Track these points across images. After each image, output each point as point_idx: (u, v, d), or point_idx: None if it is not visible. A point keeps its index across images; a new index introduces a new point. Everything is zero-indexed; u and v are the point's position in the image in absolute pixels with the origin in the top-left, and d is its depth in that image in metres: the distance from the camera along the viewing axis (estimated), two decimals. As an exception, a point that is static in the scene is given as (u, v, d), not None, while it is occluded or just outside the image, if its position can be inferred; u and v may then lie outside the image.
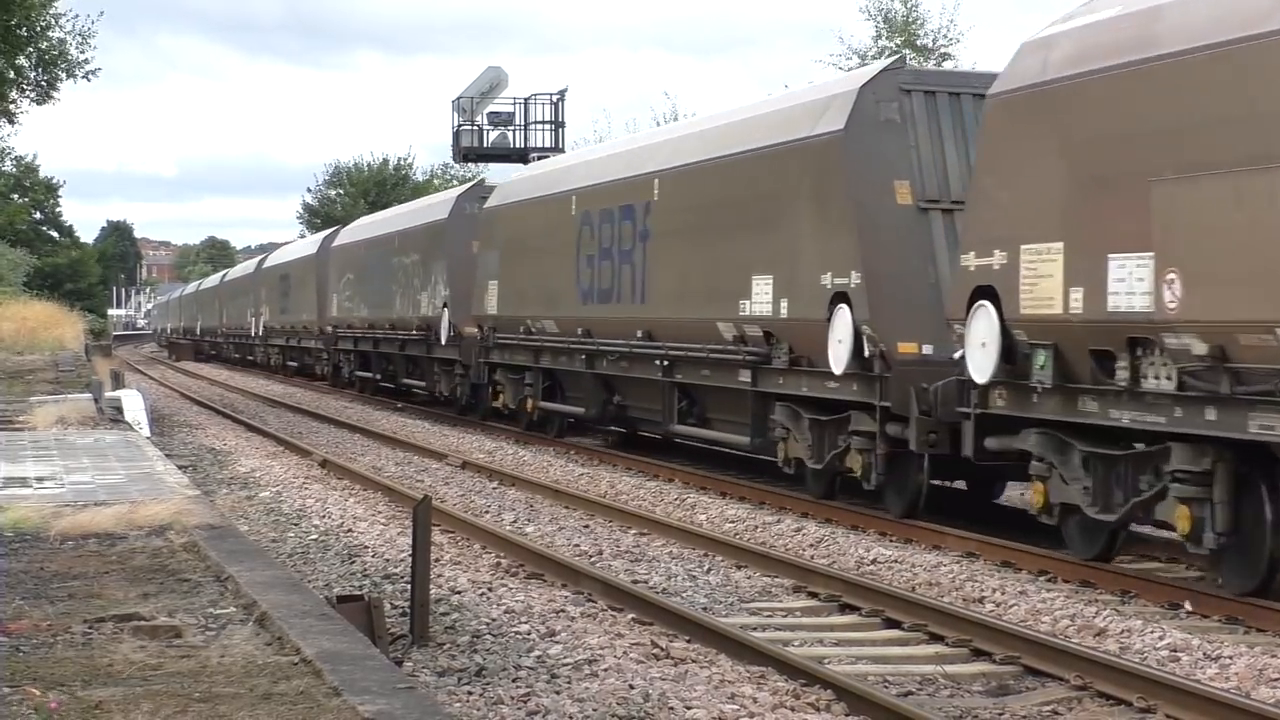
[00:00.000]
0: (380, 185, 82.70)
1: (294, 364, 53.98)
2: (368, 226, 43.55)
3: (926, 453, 15.60)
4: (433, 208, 35.71)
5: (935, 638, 11.26)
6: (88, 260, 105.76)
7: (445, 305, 31.88)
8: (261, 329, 59.57)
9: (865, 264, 16.17)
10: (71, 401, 23.58)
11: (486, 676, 9.71)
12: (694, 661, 10.25)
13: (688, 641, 10.88)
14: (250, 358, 64.98)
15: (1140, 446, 12.76)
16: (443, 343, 31.98)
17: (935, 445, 15.42)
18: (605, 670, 9.86)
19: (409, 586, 11.04)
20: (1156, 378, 12.28)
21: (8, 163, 73.78)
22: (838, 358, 16.43)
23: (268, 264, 61.05)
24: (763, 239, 18.33)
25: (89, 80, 38.68)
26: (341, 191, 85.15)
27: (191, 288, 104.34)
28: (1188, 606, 12.15)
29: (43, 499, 12.69)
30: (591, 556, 14.85)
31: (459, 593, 12.49)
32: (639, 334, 21.82)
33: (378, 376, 40.16)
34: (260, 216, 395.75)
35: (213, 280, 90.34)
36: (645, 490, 19.66)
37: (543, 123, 41.08)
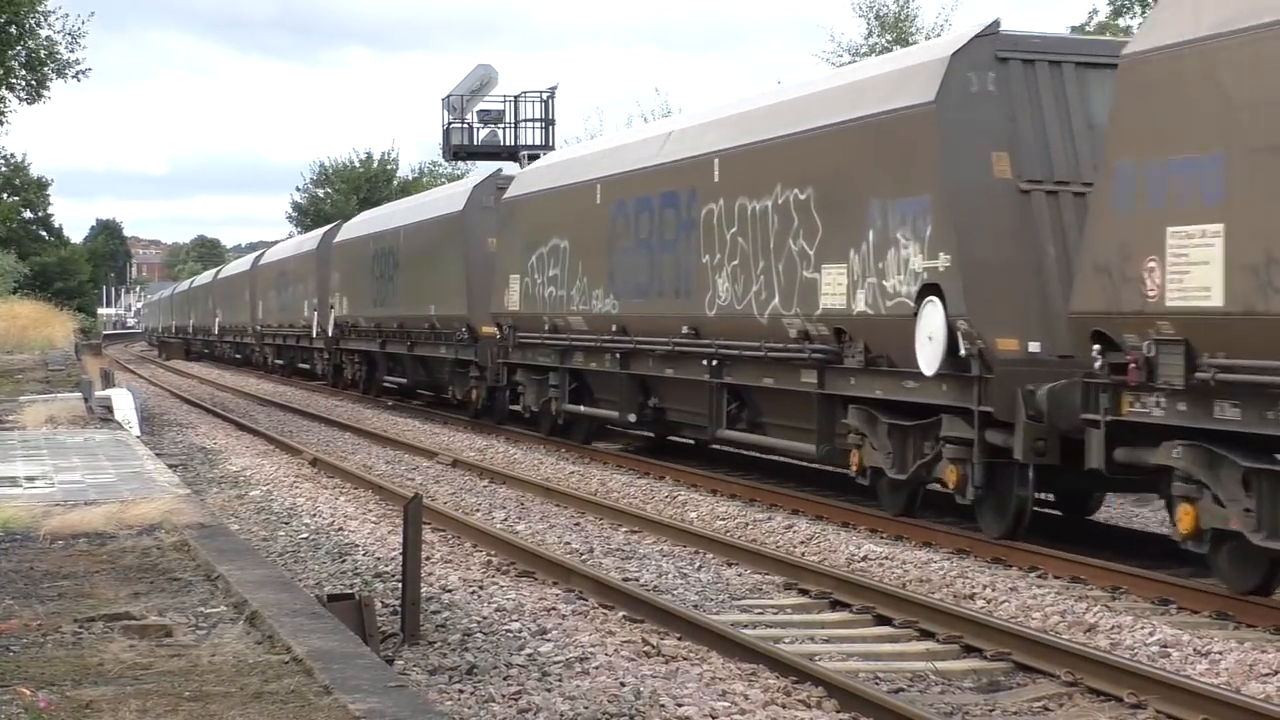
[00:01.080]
0: (372, 182, 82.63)
1: (397, 380, 37.13)
2: (639, 149, 22.66)
3: None
4: (885, 83, 16.37)
5: (926, 634, 11.27)
6: (77, 259, 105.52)
7: (936, 292, 15.02)
8: (331, 327, 42.20)
9: None
10: (61, 400, 23.57)
11: (477, 675, 9.71)
12: (685, 659, 10.26)
13: (679, 639, 10.88)
14: (305, 365, 49.30)
15: None
16: (928, 370, 15.12)
17: None
18: (596, 668, 9.86)
19: (400, 585, 11.04)
20: None
21: (-3, 161, 73.74)
22: None
23: (346, 236, 42.79)
24: None
25: (79, 80, 38.69)
26: (330, 190, 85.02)
27: (205, 277, 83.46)
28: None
29: (33, 498, 12.68)
30: (582, 554, 14.85)
31: (450, 591, 12.49)
32: None
33: (661, 407, 22.07)
34: (251, 215, 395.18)
35: (239, 265, 69.57)
36: (636, 488, 19.66)
37: (533, 120, 41.07)
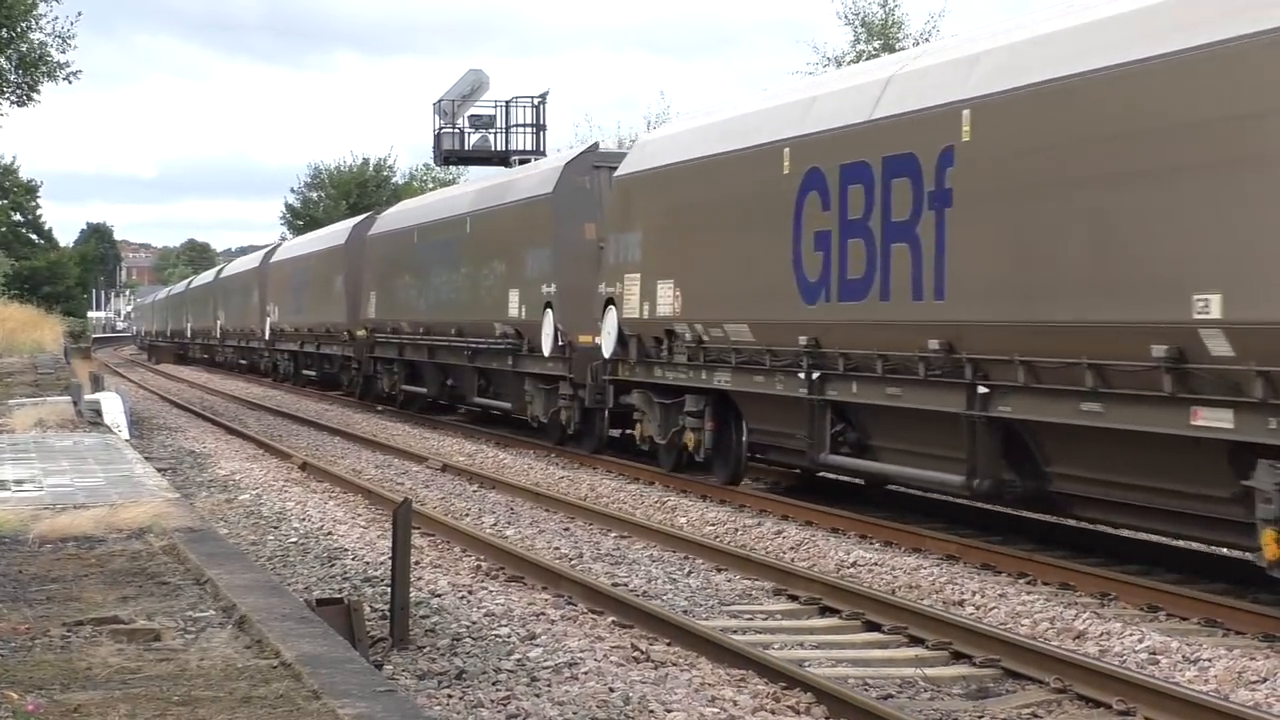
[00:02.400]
0: (362, 186, 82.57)
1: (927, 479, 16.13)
2: None
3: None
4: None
5: (915, 640, 11.27)
6: (66, 263, 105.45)
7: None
8: (610, 340, 22.10)
9: None
10: (50, 404, 23.53)
11: (466, 679, 9.71)
12: (674, 664, 10.25)
13: (668, 644, 10.88)
14: (499, 401, 28.63)
15: None
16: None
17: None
18: (585, 673, 9.86)
19: (389, 589, 11.03)
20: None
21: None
22: None
23: (677, 157, 20.42)
24: None
25: (70, 82, 38.67)
26: (323, 194, 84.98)
27: (247, 262, 62.75)
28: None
29: (21, 502, 12.66)
30: (572, 559, 14.84)
31: (439, 596, 12.48)
32: None
33: None
34: (241, 218, 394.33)
35: (323, 239, 45.87)
36: (626, 493, 19.65)
37: (524, 125, 41.08)
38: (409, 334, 33.25)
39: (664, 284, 20.37)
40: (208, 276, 76.95)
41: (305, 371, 46.13)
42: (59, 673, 6.98)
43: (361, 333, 37.09)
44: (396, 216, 37.53)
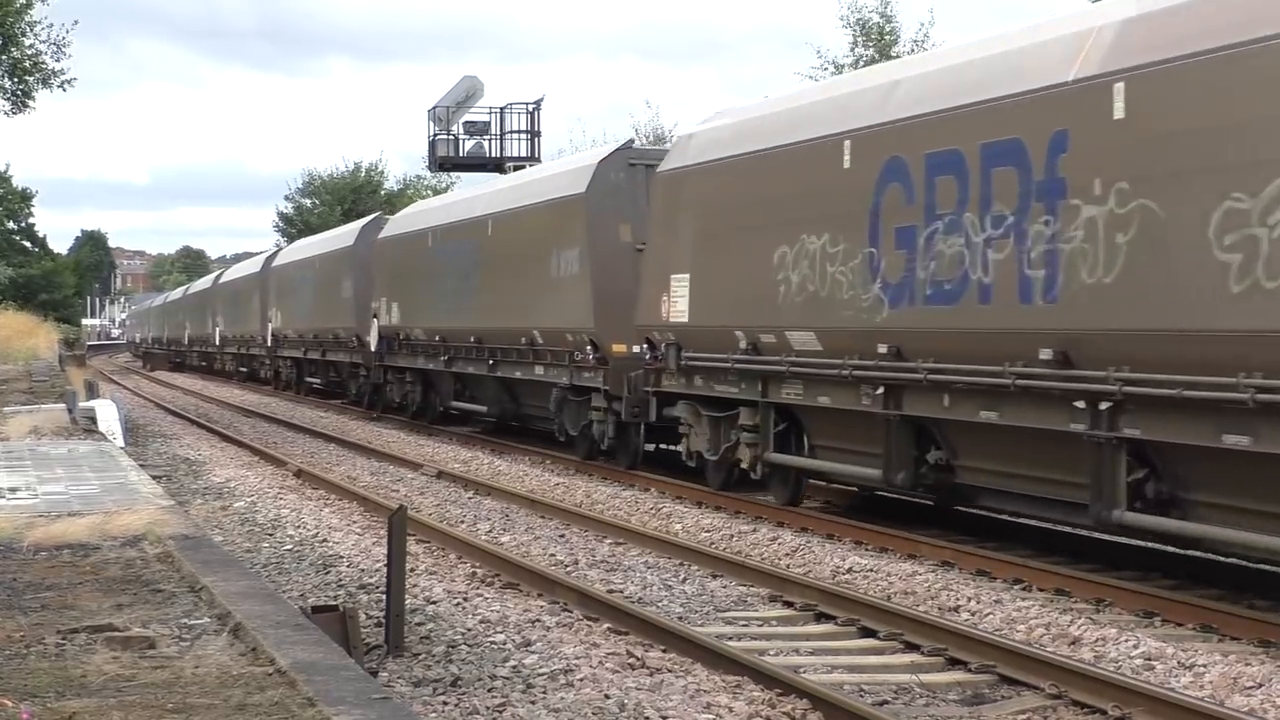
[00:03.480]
0: (357, 192, 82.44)
1: None
2: None
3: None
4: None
5: (911, 646, 11.27)
6: (62, 271, 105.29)
7: None
8: None
9: None
10: (45, 411, 23.51)
11: (462, 687, 9.70)
12: (670, 671, 10.25)
13: (663, 651, 10.87)
14: None
15: None
16: None
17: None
18: (581, 680, 9.85)
19: (384, 596, 11.02)
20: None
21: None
22: None
23: None
24: None
25: (65, 90, 38.68)
26: (317, 200, 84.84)
27: (309, 250, 45.79)
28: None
29: (16, 509, 12.64)
30: (567, 566, 14.84)
31: (434, 603, 12.47)
32: None
33: None
34: (235, 225, 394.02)
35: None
36: (621, 499, 19.65)
37: (518, 132, 41.07)
38: (814, 357, 16.66)
39: None
40: (254, 265, 58.24)
41: (454, 405, 30.59)
42: (53, 680, 6.97)
43: (622, 348, 22.02)
44: (754, 127, 18.40)
